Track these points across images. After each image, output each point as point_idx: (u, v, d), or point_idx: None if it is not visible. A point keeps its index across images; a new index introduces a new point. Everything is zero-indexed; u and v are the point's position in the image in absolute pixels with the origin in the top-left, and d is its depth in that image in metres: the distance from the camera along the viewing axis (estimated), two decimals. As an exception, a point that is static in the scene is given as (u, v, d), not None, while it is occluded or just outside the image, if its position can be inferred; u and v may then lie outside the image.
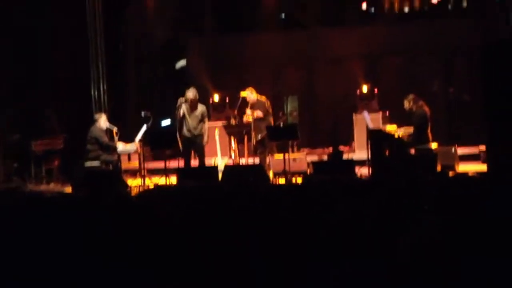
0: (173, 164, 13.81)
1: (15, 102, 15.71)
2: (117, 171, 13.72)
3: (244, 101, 14.99)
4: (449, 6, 18.25)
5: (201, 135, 13.84)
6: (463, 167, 13.76)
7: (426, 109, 13.28)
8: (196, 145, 13.88)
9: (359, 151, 15.64)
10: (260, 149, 14.42)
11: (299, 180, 12.26)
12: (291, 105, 17.76)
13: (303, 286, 4.38)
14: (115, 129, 14.06)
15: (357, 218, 5.00)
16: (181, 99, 13.84)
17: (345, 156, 14.24)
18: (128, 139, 14.37)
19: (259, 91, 14.56)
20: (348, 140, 16.70)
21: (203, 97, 14.49)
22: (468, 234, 4.57)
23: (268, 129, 13.90)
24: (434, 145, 13.30)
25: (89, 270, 4.77)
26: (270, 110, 14.51)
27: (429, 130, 13.21)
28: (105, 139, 13.85)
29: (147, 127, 14.12)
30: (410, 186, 6.57)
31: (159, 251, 4.84)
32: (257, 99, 14.40)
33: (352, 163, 12.51)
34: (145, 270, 4.67)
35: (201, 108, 13.96)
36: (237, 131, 14.85)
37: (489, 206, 5.46)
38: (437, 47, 17.91)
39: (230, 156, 15.03)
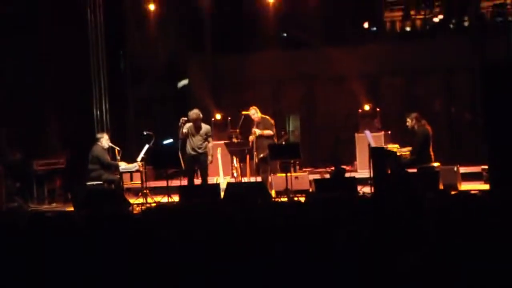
0: (175, 183, 13.80)
1: (17, 121, 15.72)
2: (119, 190, 13.72)
3: (246, 120, 15.01)
4: (451, 26, 18.28)
5: (205, 154, 13.86)
6: (465, 186, 13.74)
7: (428, 128, 13.28)
8: (200, 163, 13.89)
9: (361, 170, 15.61)
10: (262, 167, 14.41)
11: (302, 199, 12.23)
12: (292, 124, 17.77)
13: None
14: (117, 149, 14.08)
15: (358, 236, 4.99)
16: (183, 119, 13.88)
17: (347, 175, 14.21)
18: (130, 158, 14.39)
19: (260, 110, 14.58)
20: (350, 159, 16.68)
21: (205, 116, 14.52)
22: (468, 251, 4.57)
23: (270, 147, 13.90)
24: (436, 165, 13.28)
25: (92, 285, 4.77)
26: (274, 130, 14.55)
27: (431, 149, 13.21)
28: (107, 158, 13.86)
29: (149, 146, 14.14)
30: (412, 204, 6.56)
31: (161, 268, 4.84)
32: (263, 118, 14.43)
33: (354, 181, 12.50)
34: (148, 283, 4.67)
35: (205, 127, 14.00)
36: (239, 150, 14.87)
37: (491, 224, 5.45)
38: (439, 66, 17.92)
39: (232, 175, 15.03)
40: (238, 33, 18.69)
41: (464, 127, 18.03)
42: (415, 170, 12.88)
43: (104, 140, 13.91)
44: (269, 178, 14.26)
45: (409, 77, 18.57)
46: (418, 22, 18.61)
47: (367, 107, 17.03)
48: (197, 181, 14.26)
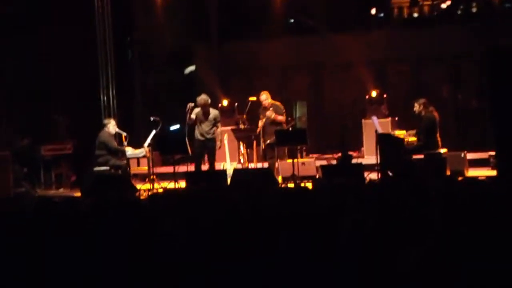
0: (182, 169, 13.83)
1: (25, 107, 15.78)
2: (126, 176, 13.75)
3: (253, 106, 15.01)
4: (459, 12, 18.19)
5: (213, 139, 13.88)
6: (473, 173, 13.73)
7: (435, 114, 13.26)
8: (208, 149, 13.91)
9: (368, 156, 15.63)
10: (269, 153, 14.42)
11: (308, 184, 12.24)
12: (299, 111, 17.73)
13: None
14: (124, 134, 14.10)
15: (363, 225, 4.99)
16: (190, 104, 13.88)
17: (354, 161, 14.21)
18: (137, 144, 14.41)
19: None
20: (357, 145, 16.69)
21: (212, 103, 14.52)
22: (474, 239, 4.56)
23: (277, 133, 13.89)
24: (443, 151, 13.27)
25: (97, 274, 4.78)
26: (285, 116, 14.56)
27: (438, 135, 13.19)
28: (114, 144, 13.88)
29: (156, 132, 14.16)
30: (417, 190, 6.56)
31: (167, 254, 4.85)
32: (273, 103, 14.43)
33: (361, 167, 12.50)
34: (153, 272, 4.68)
35: (214, 113, 14.00)
36: (246, 136, 14.87)
37: (498, 209, 5.45)
38: (446, 53, 17.86)
39: (239, 161, 15.04)
40: (245, 20, 18.65)
41: (471, 113, 17.98)
42: (422, 156, 12.88)
43: (111, 126, 13.92)
44: (276, 164, 14.27)
45: (416, 63, 18.53)
46: (425, 9, 18.54)
47: (374, 94, 17.01)
48: (204, 167, 14.28)
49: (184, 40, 18.73)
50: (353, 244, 4.65)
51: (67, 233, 5.44)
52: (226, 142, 14.67)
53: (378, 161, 12.87)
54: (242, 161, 15.01)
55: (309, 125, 17.13)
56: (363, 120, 16.53)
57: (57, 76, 16.34)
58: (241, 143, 15.07)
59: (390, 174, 12.02)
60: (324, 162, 14.97)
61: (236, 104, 17.22)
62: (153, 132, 14.16)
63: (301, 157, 15.22)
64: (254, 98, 15.07)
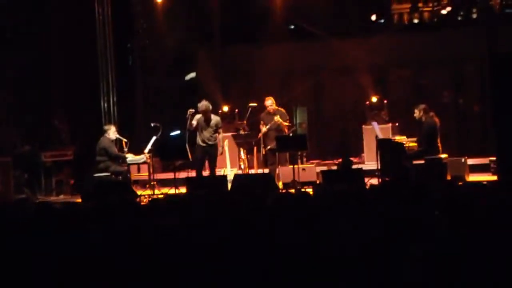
0: (183, 175, 13.82)
1: (26, 113, 15.79)
2: (126, 182, 13.74)
3: (253, 112, 15.03)
4: (459, 17, 18.20)
5: (215, 145, 13.87)
6: (473, 178, 13.72)
7: (436, 119, 13.27)
8: (209, 155, 13.89)
9: (369, 162, 15.61)
10: (271, 159, 14.43)
11: (309, 190, 12.22)
12: (300, 116, 17.74)
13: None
14: (124, 140, 14.10)
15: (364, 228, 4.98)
16: (191, 110, 13.87)
17: (354, 167, 14.21)
18: (138, 150, 14.41)
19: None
20: (358, 151, 16.69)
21: (213, 108, 14.50)
22: (476, 242, 4.55)
23: (277, 139, 13.90)
24: (444, 156, 13.27)
25: (98, 280, 4.78)
26: (288, 122, 14.63)
27: (438, 141, 13.19)
28: (114, 150, 13.88)
29: (156, 138, 14.16)
30: (419, 194, 6.56)
31: (167, 259, 4.84)
32: (278, 109, 14.48)
33: (362, 173, 12.49)
34: (153, 278, 4.67)
35: (215, 119, 13.98)
36: (246, 142, 14.88)
37: (499, 214, 5.44)
38: (447, 58, 17.87)
39: (239, 167, 15.04)
40: (246, 25, 18.66)
41: (472, 118, 17.98)
42: (422, 162, 12.88)
43: (112, 132, 13.92)
44: (277, 169, 14.27)
45: (416, 69, 18.54)
46: (426, 14, 18.55)
47: (374, 99, 17.01)
48: (204, 173, 14.28)
49: (185, 45, 18.73)
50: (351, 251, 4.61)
51: (68, 237, 5.44)
52: (226, 148, 14.66)
53: (379, 167, 12.86)
54: (242, 167, 15.00)
55: (310, 131, 17.14)
56: (363, 126, 16.52)
57: (58, 82, 16.35)
58: (241, 149, 15.07)
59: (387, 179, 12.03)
60: (324, 168, 14.97)
61: (236, 110, 17.21)
62: (154, 138, 14.16)
63: (302, 163, 15.21)
64: (254, 104, 15.09)
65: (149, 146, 14.10)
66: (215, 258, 4.67)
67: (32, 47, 15.79)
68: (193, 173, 13.90)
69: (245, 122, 15.52)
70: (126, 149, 14.10)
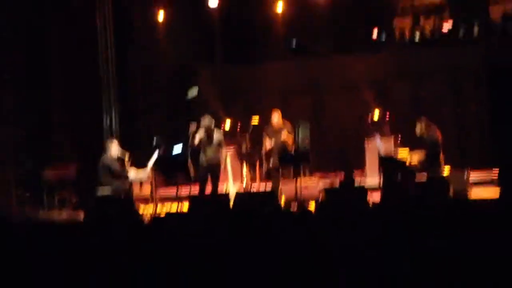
0: (185, 189, 13.82)
1: (27, 131, 15.79)
2: (129, 199, 13.73)
3: (255, 129, 15.05)
4: (460, 33, 18.24)
5: (218, 163, 13.87)
6: (476, 191, 13.67)
7: (438, 133, 13.26)
8: (212, 171, 13.88)
9: (371, 177, 15.59)
10: (274, 173, 14.43)
11: (311, 206, 12.24)
12: (302, 132, 17.75)
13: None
14: (127, 155, 14.07)
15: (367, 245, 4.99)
16: (192, 126, 13.88)
17: (356, 180, 14.22)
18: (140, 164, 14.39)
19: (269, 119, 14.64)
20: (360, 164, 16.67)
21: (215, 123, 14.53)
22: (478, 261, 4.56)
23: (280, 154, 13.91)
24: (446, 169, 13.23)
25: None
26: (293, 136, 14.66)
27: (441, 156, 13.18)
28: (117, 167, 13.87)
29: (159, 154, 14.16)
30: (421, 212, 6.57)
31: (170, 277, 4.86)
32: (284, 123, 14.51)
33: (364, 190, 12.46)
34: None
35: (217, 137, 13.99)
36: (249, 157, 14.88)
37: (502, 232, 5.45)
38: (448, 73, 17.89)
39: (242, 181, 15.04)
40: (249, 43, 18.71)
41: (472, 131, 17.96)
42: (424, 179, 12.85)
43: (114, 147, 13.91)
44: (280, 185, 14.27)
45: (417, 83, 18.54)
46: (427, 30, 18.58)
47: (376, 115, 17.01)
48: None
49: (187, 62, 18.77)
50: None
51: (69, 254, 5.46)
52: (228, 163, 14.67)
53: (381, 184, 12.85)
54: (245, 182, 15.00)
55: (312, 147, 17.15)
56: (365, 140, 16.52)
57: (59, 98, 16.36)
58: (243, 164, 15.08)
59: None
60: (327, 181, 14.95)
61: (238, 124, 17.23)
62: (156, 153, 14.16)
63: (304, 176, 15.21)
64: (256, 122, 15.11)
65: (151, 162, 14.10)
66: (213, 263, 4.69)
67: (33, 63, 15.79)
68: (195, 187, 13.88)
69: (247, 136, 15.48)
70: (128, 164, 14.06)
